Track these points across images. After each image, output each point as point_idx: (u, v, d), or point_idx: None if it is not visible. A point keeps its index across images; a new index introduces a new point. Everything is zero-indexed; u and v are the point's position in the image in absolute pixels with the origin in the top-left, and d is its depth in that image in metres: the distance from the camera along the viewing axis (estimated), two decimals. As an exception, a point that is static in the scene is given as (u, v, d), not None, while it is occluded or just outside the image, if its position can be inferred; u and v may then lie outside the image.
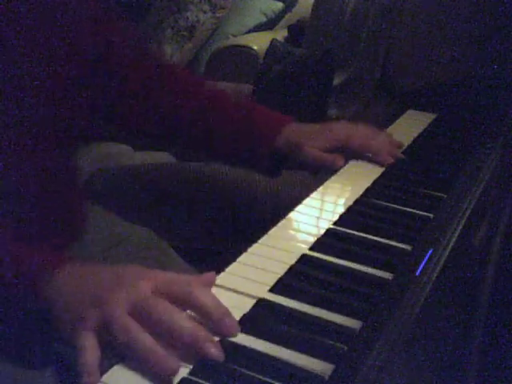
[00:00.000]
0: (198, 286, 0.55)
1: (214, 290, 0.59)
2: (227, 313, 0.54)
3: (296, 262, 0.65)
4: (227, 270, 0.63)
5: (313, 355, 0.52)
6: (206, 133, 0.97)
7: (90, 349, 0.51)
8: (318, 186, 0.85)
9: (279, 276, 0.62)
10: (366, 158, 0.94)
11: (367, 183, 0.85)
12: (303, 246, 0.69)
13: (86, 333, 0.52)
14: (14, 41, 0.71)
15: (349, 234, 0.72)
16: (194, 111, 0.97)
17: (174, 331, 0.51)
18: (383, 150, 0.94)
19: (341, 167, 0.90)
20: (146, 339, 0.50)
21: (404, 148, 1.00)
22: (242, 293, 0.59)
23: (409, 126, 1.13)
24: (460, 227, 0.73)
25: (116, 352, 0.51)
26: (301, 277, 0.63)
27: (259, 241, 0.69)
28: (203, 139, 0.98)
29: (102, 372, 0.50)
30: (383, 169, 0.91)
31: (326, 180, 0.87)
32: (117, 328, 0.51)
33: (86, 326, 0.52)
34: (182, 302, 0.53)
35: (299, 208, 0.78)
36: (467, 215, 0.76)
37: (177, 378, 0.49)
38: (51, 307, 0.56)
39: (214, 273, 0.60)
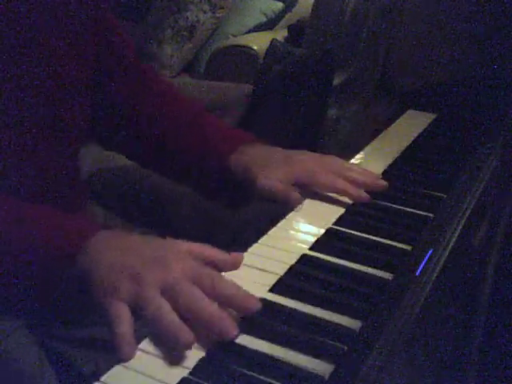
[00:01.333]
0: (222, 278, 0.58)
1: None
2: (247, 299, 0.57)
3: (296, 262, 0.65)
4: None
5: (313, 355, 0.52)
6: (159, 142, 0.92)
7: (123, 318, 0.54)
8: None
9: (279, 276, 0.62)
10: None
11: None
12: (303, 246, 0.69)
13: (118, 302, 0.54)
14: (13, 40, 0.71)
15: (349, 234, 0.72)
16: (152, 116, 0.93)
17: (198, 316, 0.54)
18: (350, 188, 0.80)
19: (297, 205, 0.78)
20: (170, 316, 0.53)
21: (404, 148, 1.00)
22: (242, 293, 0.59)
23: (409, 126, 1.13)
24: (460, 227, 0.73)
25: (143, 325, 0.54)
26: (301, 277, 0.63)
27: (259, 241, 0.70)
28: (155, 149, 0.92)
29: (103, 371, 0.50)
30: (384, 169, 0.91)
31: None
32: (148, 305, 0.54)
33: (120, 296, 0.55)
34: (208, 289, 0.56)
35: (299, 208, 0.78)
36: (467, 215, 0.76)
37: (177, 378, 0.49)
38: (87, 274, 0.57)
39: (242, 254, 0.64)
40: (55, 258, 0.60)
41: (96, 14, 0.84)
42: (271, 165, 0.82)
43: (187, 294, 0.55)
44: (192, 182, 0.93)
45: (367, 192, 0.80)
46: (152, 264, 0.57)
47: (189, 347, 0.52)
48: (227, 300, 0.56)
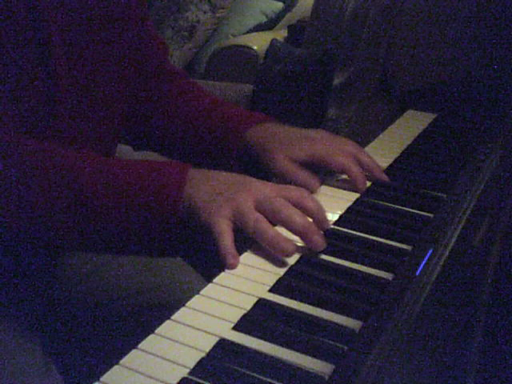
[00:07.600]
0: (307, 193, 0.69)
1: (213, 287, 0.60)
2: (326, 217, 0.70)
3: (296, 262, 0.65)
4: (227, 269, 0.63)
5: (313, 355, 0.52)
6: (175, 120, 0.94)
7: (227, 233, 0.63)
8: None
9: (279, 276, 0.62)
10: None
11: (367, 183, 0.85)
12: (303, 245, 0.69)
13: (222, 219, 0.64)
14: (13, 40, 0.71)
15: (349, 234, 0.72)
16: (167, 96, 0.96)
17: (290, 223, 0.65)
18: (361, 175, 0.82)
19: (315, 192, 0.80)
20: (271, 228, 0.64)
21: (404, 148, 1.00)
22: (242, 292, 0.59)
23: (409, 126, 1.13)
24: (460, 227, 0.73)
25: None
26: (301, 277, 0.63)
27: (259, 241, 0.69)
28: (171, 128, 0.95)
29: (102, 372, 0.50)
30: (383, 169, 0.91)
31: (324, 180, 0.87)
32: (248, 219, 0.64)
33: (223, 214, 0.64)
34: (295, 203, 0.67)
35: (299, 208, 0.78)
36: (467, 215, 0.76)
37: (177, 378, 0.49)
38: (191, 202, 0.66)
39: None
40: (166, 195, 0.66)
41: (130, 17, 0.84)
42: (290, 141, 0.83)
43: (279, 207, 0.65)
44: (212, 162, 0.93)
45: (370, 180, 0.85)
46: (243, 187, 0.66)
47: (290, 255, 0.64)
48: (312, 215, 0.67)
